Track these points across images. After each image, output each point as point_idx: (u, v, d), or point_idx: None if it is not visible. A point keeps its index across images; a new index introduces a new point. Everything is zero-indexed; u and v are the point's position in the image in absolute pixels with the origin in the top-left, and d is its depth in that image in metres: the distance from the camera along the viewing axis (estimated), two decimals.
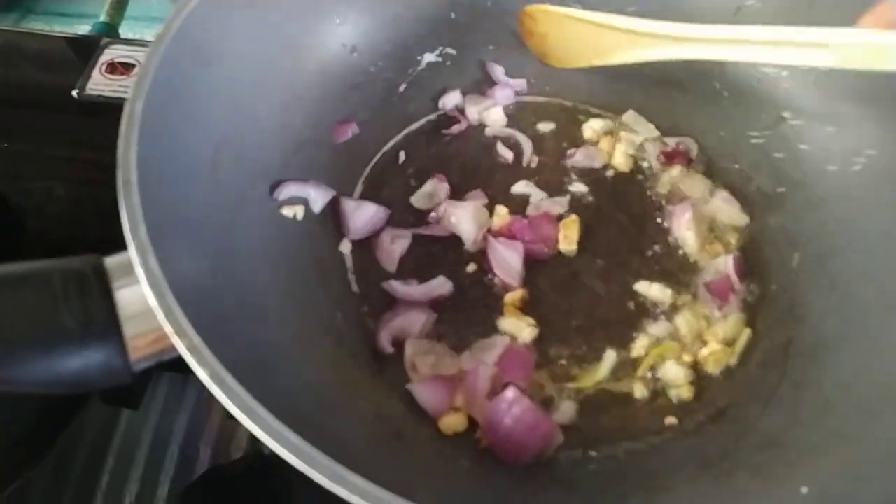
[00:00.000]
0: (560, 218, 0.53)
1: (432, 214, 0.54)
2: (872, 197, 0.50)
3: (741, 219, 0.54)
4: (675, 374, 0.47)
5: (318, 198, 0.52)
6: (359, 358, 0.46)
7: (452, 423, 0.44)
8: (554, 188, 0.56)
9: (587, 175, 0.57)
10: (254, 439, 0.55)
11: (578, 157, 0.58)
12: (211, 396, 0.31)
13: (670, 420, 0.45)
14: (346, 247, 0.52)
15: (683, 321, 0.49)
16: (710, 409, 0.46)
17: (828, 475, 0.38)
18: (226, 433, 0.60)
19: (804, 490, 0.36)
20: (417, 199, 0.54)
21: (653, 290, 0.50)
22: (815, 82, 0.54)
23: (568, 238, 0.52)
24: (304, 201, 0.51)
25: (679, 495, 0.40)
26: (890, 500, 0.31)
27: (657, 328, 0.49)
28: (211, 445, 0.60)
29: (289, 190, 0.51)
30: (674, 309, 0.50)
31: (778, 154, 0.55)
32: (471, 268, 0.52)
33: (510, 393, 0.42)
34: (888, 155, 0.50)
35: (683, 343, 0.48)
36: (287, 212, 0.50)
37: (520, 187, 0.56)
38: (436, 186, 0.54)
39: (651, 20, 0.50)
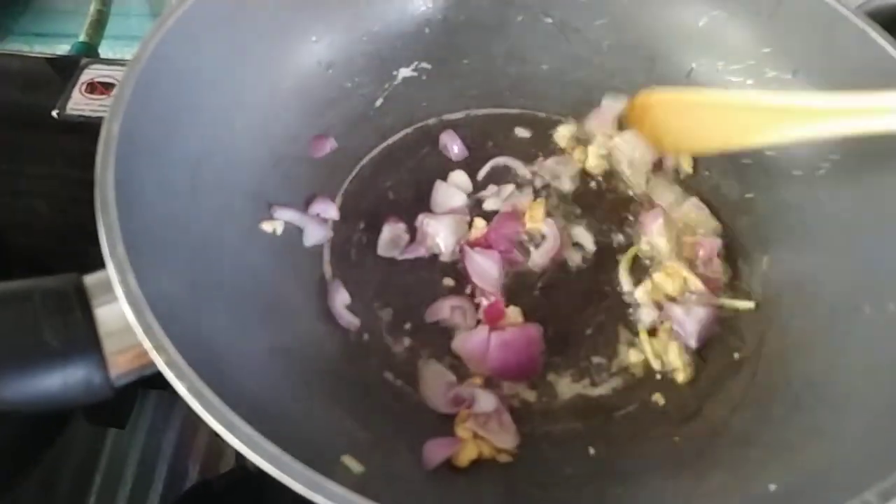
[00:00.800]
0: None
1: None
2: (837, 200, 0.51)
3: (711, 224, 0.55)
4: (674, 357, 0.48)
5: (312, 233, 0.52)
6: (339, 372, 0.46)
7: (466, 454, 0.44)
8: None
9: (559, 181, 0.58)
10: (241, 455, 0.55)
11: (550, 164, 0.59)
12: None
13: (647, 423, 0.47)
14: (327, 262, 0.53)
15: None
16: (683, 411, 0.47)
17: (796, 471, 0.39)
18: (214, 450, 0.60)
19: (772, 487, 0.37)
20: (383, 249, 0.54)
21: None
22: (778, 89, 0.56)
23: (533, 217, 0.53)
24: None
25: (655, 492, 0.41)
26: (854, 491, 0.32)
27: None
28: (199, 463, 0.60)
29: (284, 215, 0.52)
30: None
31: (745, 160, 0.56)
32: (448, 282, 0.52)
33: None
34: (850, 159, 0.51)
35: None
36: (266, 227, 0.51)
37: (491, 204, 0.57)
38: (393, 230, 0.55)
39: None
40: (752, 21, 0.56)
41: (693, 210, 0.55)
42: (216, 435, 0.58)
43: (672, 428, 0.46)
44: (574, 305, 0.52)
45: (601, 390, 0.48)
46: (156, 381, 0.57)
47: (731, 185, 0.56)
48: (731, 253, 0.54)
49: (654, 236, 0.54)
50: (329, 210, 0.54)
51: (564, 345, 0.50)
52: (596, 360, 0.49)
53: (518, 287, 0.52)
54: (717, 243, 0.54)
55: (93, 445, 0.59)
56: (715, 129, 0.38)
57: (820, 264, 0.50)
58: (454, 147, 0.59)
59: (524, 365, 0.48)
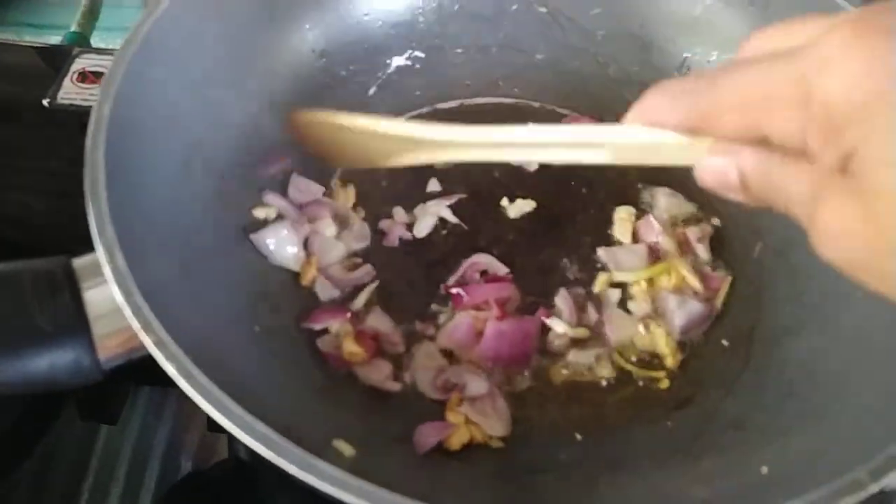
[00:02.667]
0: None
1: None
2: None
3: (688, 207, 0.55)
4: (661, 344, 0.48)
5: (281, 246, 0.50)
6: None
7: (457, 438, 0.44)
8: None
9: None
10: (233, 445, 0.55)
11: None
12: (192, 409, 0.31)
13: (640, 408, 0.47)
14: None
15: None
16: (677, 396, 0.47)
17: (789, 454, 0.39)
18: (207, 445, 0.60)
19: (764, 470, 0.37)
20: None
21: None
22: None
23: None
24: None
25: (647, 476, 0.41)
26: (843, 472, 0.32)
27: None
28: (192, 458, 0.60)
29: (277, 201, 0.51)
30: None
31: None
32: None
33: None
34: None
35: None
36: (259, 213, 0.50)
37: None
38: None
39: (426, 125, 0.39)
40: (747, 10, 0.57)
41: (669, 200, 0.55)
42: (209, 430, 0.58)
43: (665, 413, 0.46)
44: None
45: (594, 375, 0.48)
46: (148, 377, 0.57)
47: None
48: (723, 239, 0.54)
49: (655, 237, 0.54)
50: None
51: None
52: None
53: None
54: (707, 230, 0.54)
55: (85, 442, 0.59)
56: (366, 150, 0.38)
57: (811, 252, 0.50)
58: None
59: (517, 357, 0.48)
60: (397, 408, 0.44)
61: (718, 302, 0.51)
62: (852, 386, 0.41)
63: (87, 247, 0.35)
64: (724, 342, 0.49)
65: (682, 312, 0.50)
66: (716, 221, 0.55)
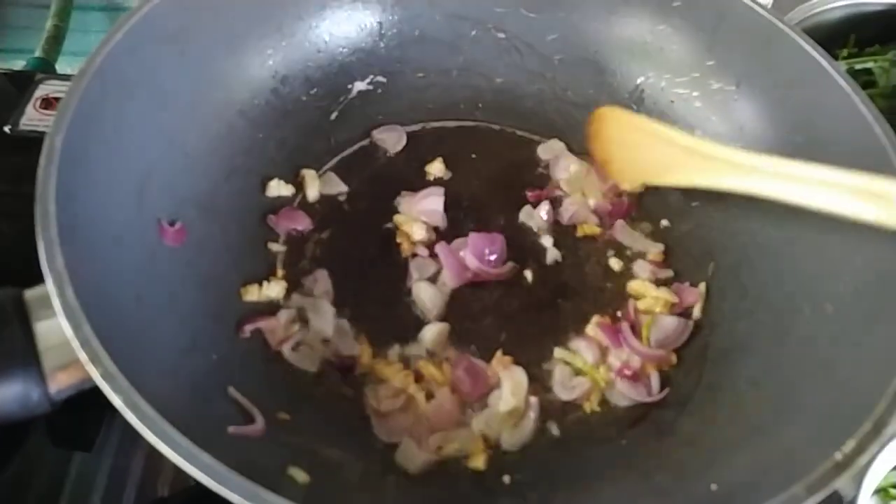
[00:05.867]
0: None
1: None
2: (779, 208, 0.53)
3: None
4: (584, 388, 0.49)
5: None
6: (293, 383, 0.46)
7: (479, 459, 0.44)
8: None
9: None
10: None
11: None
12: None
13: (595, 426, 0.47)
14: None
15: None
16: (632, 414, 0.48)
17: (737, 470, 0.40)
18: (182, 472, 0.59)
19: (713, 487, 0.38)
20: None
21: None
22: (723, 101, 0.57)
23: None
24: None
25: (600, 494, 0.41)
26: (786, 484, 0.33)
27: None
28: (168, 485, 0.58)
29: None
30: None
31: None
32: None
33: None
34: None
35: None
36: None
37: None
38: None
39: (723, 146, 0.48)
40: (696, 35, 0.58)
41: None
42: None
43: (619, 431, 0.47)
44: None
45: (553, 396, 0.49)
46: None
47: (677, 195, 0.57)
48: (675, 261, 0.55)
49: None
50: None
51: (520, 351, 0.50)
52: (546, 366, 0.50)
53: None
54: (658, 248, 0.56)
55: (58, 469, 0.57)
56: (648, 160, 0.40)
57: (763, 269, 0.52)
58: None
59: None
60: (353, 431, 0.45)
61: (696, 311, 0.52)
62: (799, 402, 0.42)
63: None
64: (678, 361, 0.50)
65: (655, 329, 0.51)
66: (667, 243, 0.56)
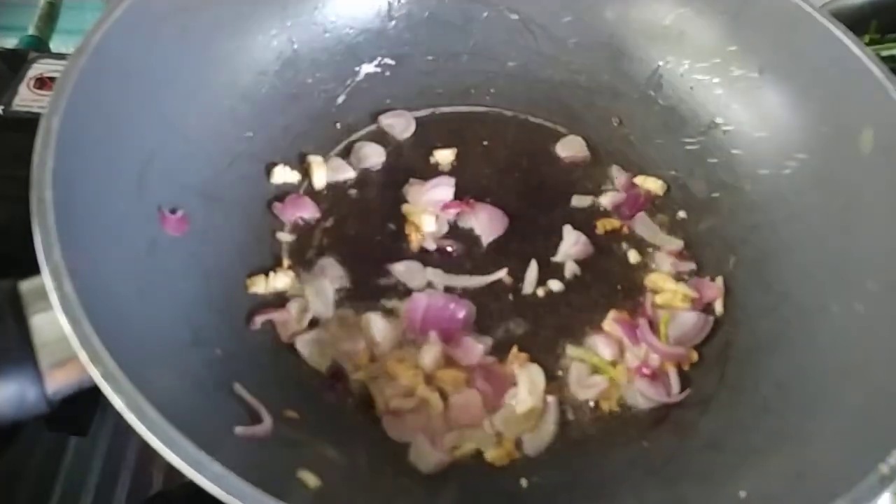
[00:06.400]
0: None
1: None
2: (803, 199, 0.51)
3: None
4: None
5: None
6: (294, 383, 0.45)
7: (500, 454, 0.43)
8: None
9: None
10: None
11: None
12: None
13: (615, 427, 0.45)
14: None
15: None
16: (652, 414, 0.46)
17: (766, 476, 0.38)
18: None
19: (742, 494, 0.37)
20: None
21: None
22: (745, 88, 0.55)
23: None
24: None
25: (623, 502, 0.40)
26: (827, 497, 0.32)
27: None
28: (164, 471, 0.58)
29: None
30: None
31: (712, 159, 0.56)
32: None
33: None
34: (818, 158, 0.51)
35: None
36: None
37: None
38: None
39: None
40: (718, 19, 0.56)
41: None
42: None
43: (641, 432, 0.45)
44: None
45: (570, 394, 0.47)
46: None
47: (698, 185, 0.56)
48: (696, 253, 0.53)
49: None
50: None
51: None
52: (562, 363, 0.48)
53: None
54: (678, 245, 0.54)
55: (54, 453, 0.57)
56: None
57: (787, 263, 0.50)
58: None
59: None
60: (363, 432, 0.43)
61: (718, 307, 0.50)
62: (829, 406, 0.40)
63: None
64: (698, 360, 0.48)
65: (673, 325, 0.49)
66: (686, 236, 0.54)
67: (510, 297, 0.51)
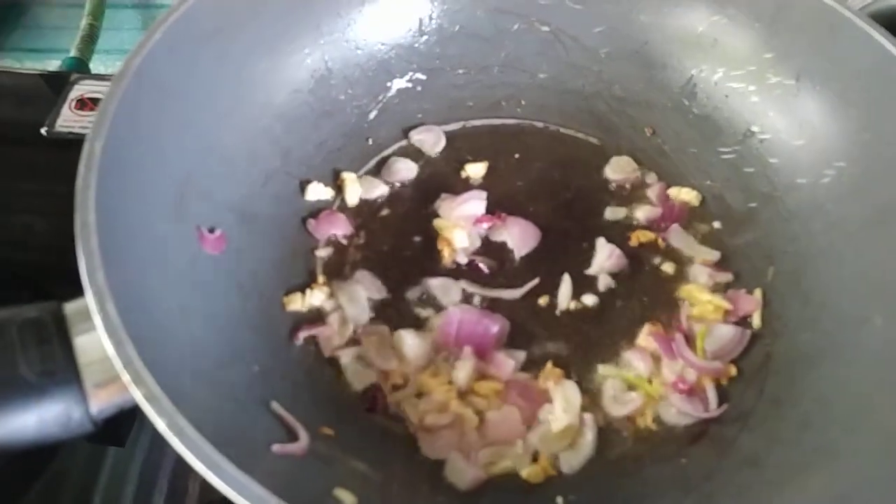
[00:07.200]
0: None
1: None
2: (843, 208, 0.50)
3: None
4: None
5: None
6: (332, 402, 0.45)
7: (536, 471, 0.43)
8: None
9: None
10: None
11: None
12: None
13: (653, 443, 0.45)
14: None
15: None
16: (691, 430, 0.45)
17: (808, 496, 0.37)
18: None
19: None
20: None
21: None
22: (781, 96, 0.54)
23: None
24: None
25: None
26: None
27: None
28: (200, 481, 0.57)
29: None
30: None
31: (748, 168, 0.55)
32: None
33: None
34: (857, 166, 0.50)
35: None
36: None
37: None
38: None
39: None
40: (753, 26, 0.55)
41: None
42: None
43: (679, 449, 0.44)
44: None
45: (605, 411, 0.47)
46: None
47: (734, 195, 0.55)
48: (732, 266, 0.53)
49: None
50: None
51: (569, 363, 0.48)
52: (597, 379, 0.48)
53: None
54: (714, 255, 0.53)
55: (92, 464, 0.58)
56: None
57: (826, 274, 0.49)
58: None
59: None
60: (400, 451, 0.43)
61: (756, 320, 0.50)
62: (873, 422, 0.39)
63: None
64: (738, 373, 0.47)
65: (710, 339, 0.48)
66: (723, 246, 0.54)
67: (544, 311, 0.50)
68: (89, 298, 0.33)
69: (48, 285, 0.40)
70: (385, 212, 0.55)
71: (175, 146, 0.45)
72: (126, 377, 0.31)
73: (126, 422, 0.57)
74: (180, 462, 0.57)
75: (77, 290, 0.34)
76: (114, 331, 0.32)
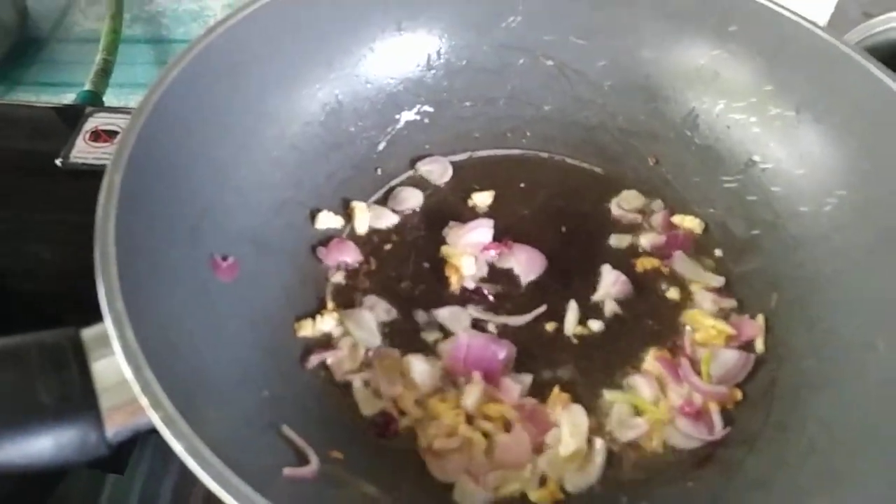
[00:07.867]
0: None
1: None
2: (845, 236, 0.51)
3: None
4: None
5: None
6: (342, 423, 0.46)
7: (544, 494, 0.43)
8: None
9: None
10: None
11: None
12: None
13: (659, 466, 0.45)
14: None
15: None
16: (697, 453, 0.46)
17: None
18: (214, 497, 0.59)
19: None
20: None
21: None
22: (782, 127, 0.56)
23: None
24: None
25: None
26: None
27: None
28: None
29: None
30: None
31: (751, 197, 0.56)
32: None
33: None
34: (857, 194, 0.51)
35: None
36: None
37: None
38: None
39: None
40: (754, 60, 0.57)
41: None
42: None
43: (685, 472, 0.45)
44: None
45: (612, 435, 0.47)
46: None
47: (737, 223, 0.56)
48: (736, 293, 0.53)
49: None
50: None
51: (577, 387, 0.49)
52: (603, 404, 0.48)
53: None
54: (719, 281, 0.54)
55: (91, 491, 0.58)
56: None
57: (830, 301, 0.49)
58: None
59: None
60: (407, 475, 0.43)
61: (759, 345, 0.50)
62: (878, 446, 0.39)
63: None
64: (743, 398, 0.48)
65: (715, 363, 0.49)
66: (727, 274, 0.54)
67: (551, 337, 0.51)
68: (108, 325, 0.34)
69: (60, 313, 0.40)
70: (394, 239, 0.56)
71: (191, 178, 0.46)
72: (144, 401, 0.31)
73: (125, 449, 0.57)
74: (178, 490, 0.58)
75: (89, 317, 0.36)
76: (132, 356, 0.33)
